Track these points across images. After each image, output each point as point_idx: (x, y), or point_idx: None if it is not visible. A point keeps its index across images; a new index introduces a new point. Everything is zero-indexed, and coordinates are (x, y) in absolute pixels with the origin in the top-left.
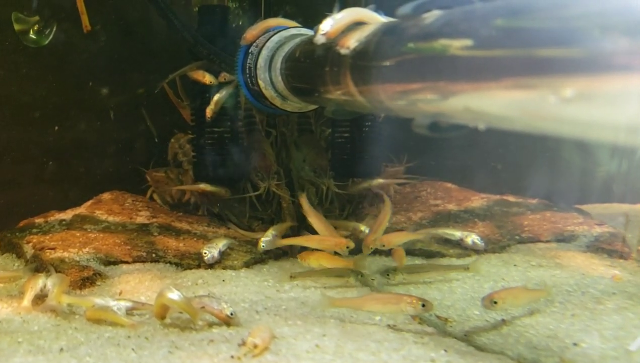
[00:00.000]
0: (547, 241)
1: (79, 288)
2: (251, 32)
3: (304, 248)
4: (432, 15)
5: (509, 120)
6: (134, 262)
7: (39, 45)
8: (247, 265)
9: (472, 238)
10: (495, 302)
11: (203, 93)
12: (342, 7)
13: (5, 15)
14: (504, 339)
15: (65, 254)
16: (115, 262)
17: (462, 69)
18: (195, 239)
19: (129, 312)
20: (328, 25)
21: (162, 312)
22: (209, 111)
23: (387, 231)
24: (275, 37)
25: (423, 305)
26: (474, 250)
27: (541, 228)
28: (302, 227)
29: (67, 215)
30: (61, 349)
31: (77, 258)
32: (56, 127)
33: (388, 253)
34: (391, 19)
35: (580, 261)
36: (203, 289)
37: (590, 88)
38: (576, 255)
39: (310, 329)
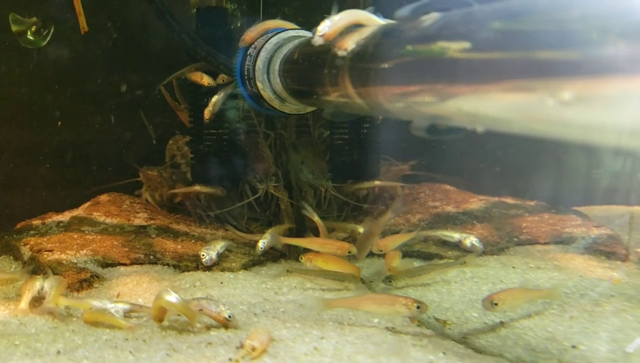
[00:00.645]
0: (546, 243)
1: (76, 290)
2: (249, 34)
3: (306, 250)
4: (431, 18)
5: (507, 123)
6: (132, 264)
7: (37, 46)
8: (245, 267)
9: (470, 240)
10: (495, 304)
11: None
12: (341, 9)
13: (3, 15)
14: (502, 341)
15: (63, 256)
16: (113, 264)
17: (461, 71)
18: (193, 241)
19: (127, 314)
20: (326, 27)
21: (160, 315)
22: (207, 113)
23: (385, 234)
24: (274, 38)
25: (418, 307)
26: (472, 252)
27: (539, 231)
28: (300, 229)
29: (65, 217)
30: (58, 352)
31: (75, 261)
32: (54, 129)
33: None
34: (390, 21)
35: (578, 263)
36: (201, 291)
37: (589, 91)
38: (574, 257)
39: (308, 332)
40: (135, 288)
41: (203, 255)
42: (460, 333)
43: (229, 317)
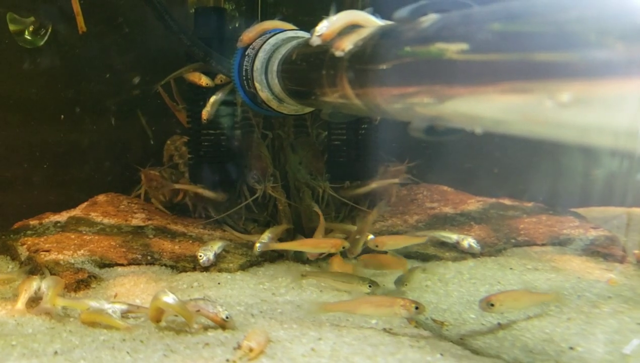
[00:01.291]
0: (543, 244)
1: (73, 290)
2: (248, 35)
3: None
4: (429, 19)
5: (505, 124)
6: (129, 264)
7: (35, 46)
8: (243, 267)
9: (468, 241)
10: (492, 305)
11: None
12: (339, 9)
13: (1, 15)
14: (499, 343)
15: (60, 256)
16: (111, 265)
17: (459, 73)
18: (190, 242)
19: (124, 314)
20: (324, 27)
21: (157, 315)
22: (205, 113)
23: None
24: (272, 39)
25: (416, 308)
26: (470, 253)
27: (537, 232)
28: (298, 229)
29: (62, 217)
30: (55, 352)
31: (72, 261)
32: (51, 128)
33: None
34: (388, 22)
35: (576, 264)
36: (198, 292)
37: (587, 92)
38: (572, 258)
39: (306, 333)
40: (132, 288)
41: (200, 255)
42: (457, 334)
43: (227, 317)
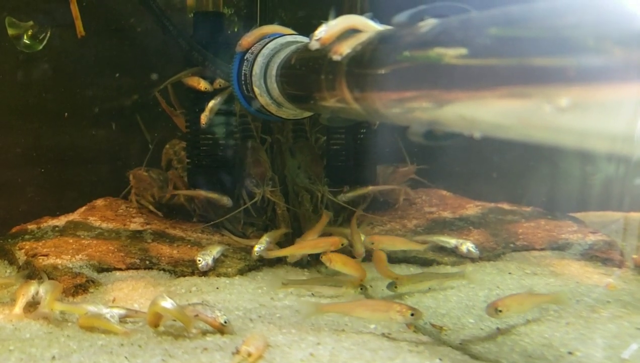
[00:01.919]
0: (542, 249)
1: (71, 295)
2: (246, 39)
3: None
4: (428, 24)
5: (504, 129)
6: (128, 269)
7: (33, 50)
8: (241, 272)
9: (467, 246)
10: (500, 311)
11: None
12: (338, 14)
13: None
14: (498, 347)
15: (58, 261)
16: (109, 269)
17: (458, 77)
18: (189, 246)
19: (122, 319)
20: (322, 31)
21: (156, 320)
22: (204, 118)
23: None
24: (271, 44)
25: (412, 314)
26: (468, 257)
27: (536, 236)
28: (296, 234)
29: (60, 221)
30: (53, 357)
31: (70, 265)
32: (49, 132)
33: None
34: (387, 27)
35: (574, 269)
36: (197, 297)
37: (586, 97)
38: (570, 263)
39: (304, 337)
40: (130, 293)
41: (199, 260)
42: (456, 339)
43: (225, 322)
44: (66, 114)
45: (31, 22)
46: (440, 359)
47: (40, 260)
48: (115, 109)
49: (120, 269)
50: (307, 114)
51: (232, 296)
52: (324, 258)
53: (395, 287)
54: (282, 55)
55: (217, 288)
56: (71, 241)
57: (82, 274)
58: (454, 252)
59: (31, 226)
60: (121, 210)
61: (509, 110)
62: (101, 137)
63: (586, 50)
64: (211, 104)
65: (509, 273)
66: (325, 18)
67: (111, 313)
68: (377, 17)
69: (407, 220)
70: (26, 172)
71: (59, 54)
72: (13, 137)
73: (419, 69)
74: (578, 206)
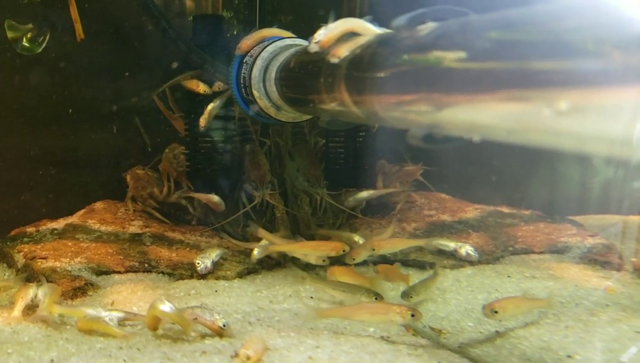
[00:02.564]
0: (541, 252)
1: (70, 298)
2: (246, 42)
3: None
4: (427, 27)
5: (503, 132)
6: (126, 272)
7: (32, 53)
8: (240, 275)
9: (466, 249)
10: (496, 312)
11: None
12: (338, 17)
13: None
14: (497, 351)
15: (57, 264)
16: (108, 272)
17: (457, 81)
18: (188, 249)
19: (121, 322)
20: (321, 34)
21: (154, 323)
22: (203, 121)
23: None
24: (270, 47)
25: (412, 315)
26: (468, 261)
27: (535, 240)
28: (295, 237)
29: (59, 224)
30: (52, 360)
31: (69, 268)
32: (49, 135)
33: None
34: (386, 30)
35: (573, 272)
36: (196, 300)
37: (585, 101)
38: (569, 266)
39: (303, 341)
40: (129, 296)
41: (198, 263)
42: (455, 342)
43: (224, 325)
44: (65, 116)
45: (30, 25)
46: (439, 362)
47: (39, 263)
48: (114, 112)
49: (119, 272)
50: (306, 117)
51: (231, 299)
52: (328, 274)
53: (410, 298)
54: (281, 59)
55: (216, 291)
56: (70, 244)
57: (81, 277)
58: (453, 255)
59: (30, 229)
60: (120, 213)
61: (508, 113)
62: (101, 140)
63: (585, 53)
64: (210, 107)
65: (508, 276)
66: (324, 21)
67: (110, 316)
68: (376, 21)
69: (406, 224)
70: (25, 175)
71: (59, 56)
72: (12, 140)
73: (418, 73)
74: (577, 209)
